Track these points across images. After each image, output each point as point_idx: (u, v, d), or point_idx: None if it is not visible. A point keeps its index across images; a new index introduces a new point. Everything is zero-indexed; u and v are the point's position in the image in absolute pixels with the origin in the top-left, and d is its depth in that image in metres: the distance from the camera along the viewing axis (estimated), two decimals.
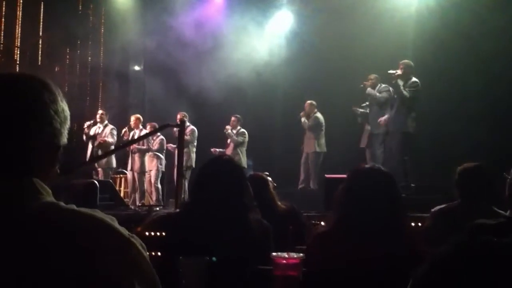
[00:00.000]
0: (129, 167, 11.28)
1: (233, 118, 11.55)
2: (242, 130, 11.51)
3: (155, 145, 11.16)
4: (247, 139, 11.50)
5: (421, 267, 1.32)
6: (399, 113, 8.37)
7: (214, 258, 2.10)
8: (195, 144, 11.23)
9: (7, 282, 1.07)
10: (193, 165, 10.91)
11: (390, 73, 8.61)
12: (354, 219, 2.55)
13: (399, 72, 8.43)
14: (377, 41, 10.56)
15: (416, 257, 2.46)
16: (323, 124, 10.82)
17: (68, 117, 1.31)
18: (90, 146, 10.91)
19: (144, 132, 10.99)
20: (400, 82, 8.39)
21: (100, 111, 11.25)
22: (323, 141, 10.79)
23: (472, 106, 10.11)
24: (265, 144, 13.34)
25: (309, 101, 10.88)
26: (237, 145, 11.33)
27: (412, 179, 8.59)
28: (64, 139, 1.30)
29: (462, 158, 4.38)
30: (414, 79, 8.42)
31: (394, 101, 8.63)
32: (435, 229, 3.81)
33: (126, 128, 11.34)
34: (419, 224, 5.21)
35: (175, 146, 11.01)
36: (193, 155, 11.08)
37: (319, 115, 10.82)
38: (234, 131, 11.41)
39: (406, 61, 8.62)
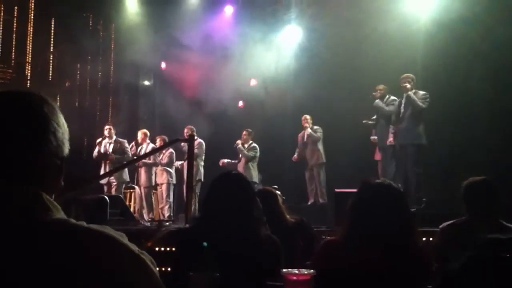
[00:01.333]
0: (136, 182, 11.27)
1: (244, 132, 11.50)
2: (254, 144, 11.45)
3: (165, 158, 11.12)
4: (258, 153, 11.45)
5: (434, 282, 1.31)
6: (411, 126, 8.33)
7: (205, 244, 2.08)
8: (203, 157, 11.13)
9: None
10: (202, 179, 10.85)
11: (404, 87, 8.62)
12: (362, 234, 2.55)
13: (408, 86, 8.44)
14: (386, 55, 10.55)
15: (425, 271, 2.46)
16: None
17: (67, 129, 1.34)
18: (103, 164, 10.82)
19: (151, 146, 11.00)
20: (413, 96, 8.39)
21: (107, 127, 11.12)
22: (323, 151, 10.83)
23: (483, 118, 10.07)
24: (274, 158, 13.32)
25: (307, 116, 10.93)
26: (249, 159, 11.28)
27: (424, 193, 8.54)
28: (67, 150, 1.32)
29: (473, 171, 4.35)
30: (422, 91, 8.43)
31: (403, 114, 8.58)
32: (444, 245, 3.78)
33: (133, 142, 11.36)
34: (430, 238, 5.18)
35: (181, 162, 11.06)
36: (201, 169, 11.00)
37: (319, 127, 10.89)
38: (246, 145, 11.36)
39: (409, 74, 8.64)
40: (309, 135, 10.82)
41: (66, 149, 1.32)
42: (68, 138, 1.34)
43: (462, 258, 1.33)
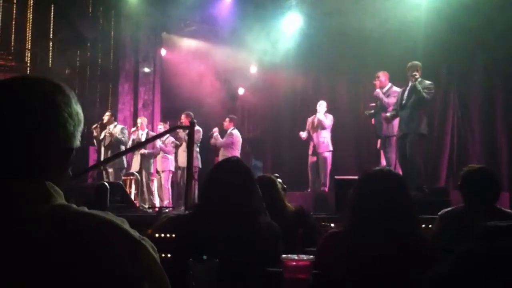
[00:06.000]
0: (138, 169, 11.27)
1: (226, 119, 11.42)
2: (233, 131, 11.26)
3: (168, 146, 11.17)
4: (236, 139, 11.22)
5: (428, 275, 1.31)
6: (413, 115, 8.16)
7: (204, 257, 2.08)
8: (199, 144, 11.00)
9: (19, 285, 1.08)
10: (200, 166, 10.80)
11: (418, 79, 8.31)
12: (365, 222, 2.55)
13: (417, 75, 8.12)
14: (387, 43, 10.52)
15: (427, 259, 2.47)
16: None
17: (82, 120, 1.32)
18: (102, 150, 10.83)
19: (151, 134, 11.01)
20: (419, 86, 8.17)
21: (107, 113, 11.17)
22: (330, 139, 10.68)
23: (483, 107, 10.07)
24: (274, 146, 13.34)
25: (324, 101, 10.69)
26: (225, 147, 11.09)
27: (427, 181, 8.50)
28: (77, 142, 1.31)
29: (472, 161, 4.37)
30: (428, 81, 8.19)
31: (406, 103, 8.42)
32: (443, 232, 3.79)
33: (134, 128, 11.41)
34: (429, 226, 5.19)
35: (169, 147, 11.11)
36: (198, 156, 10.91)
37: (330, 115, 10.70)
38: (228, 131, 11.24)
39: (417, 63, 8.40)
40: (319, 121, 10.46)
41: (77, 141, 1.30)
42: (81, 130, 1.31)
43: (456, 249, 1.32)
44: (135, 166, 11.21)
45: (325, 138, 10.47)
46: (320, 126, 10.45)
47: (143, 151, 10.99)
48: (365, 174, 2.76)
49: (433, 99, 8.66)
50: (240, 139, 11.39)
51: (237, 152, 11.03)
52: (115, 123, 11.04)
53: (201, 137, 10.94)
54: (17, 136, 1.20)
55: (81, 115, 1.32)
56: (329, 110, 10.66)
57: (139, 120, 11.60)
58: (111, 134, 10.63)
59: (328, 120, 10.46)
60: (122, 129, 10.91)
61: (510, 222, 1.69)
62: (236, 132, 11.31)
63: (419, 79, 8.13)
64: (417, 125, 8.11)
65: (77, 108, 1.30)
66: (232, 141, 11.17)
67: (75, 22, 12.67)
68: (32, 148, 1.21)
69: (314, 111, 10.61)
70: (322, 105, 10.56)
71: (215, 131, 11.22)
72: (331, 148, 10.50)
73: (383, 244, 2.45)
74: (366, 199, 2.61)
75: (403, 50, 9.93)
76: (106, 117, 10.95)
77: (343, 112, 11.78)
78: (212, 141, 11.27)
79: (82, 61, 13.76)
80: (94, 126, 10.95)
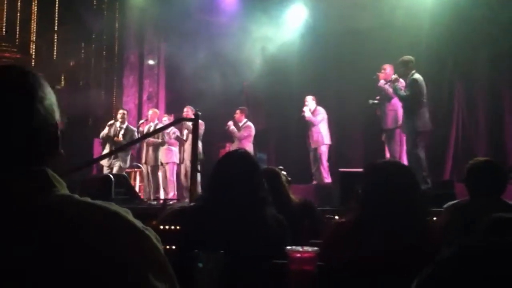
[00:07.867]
0: (143, 161, 11.28)
1: (237, 111, 11.33)
2: (248, 123, 11.22)
3: (172, 138, 11.16)
4: (253, 132, 11.22)
5: (426, 268, 1.29)
6: (407, 113, 8.22)
7: (200, 264, 2.07)
8: (201, 138, 10.93)
9: (20, 277, 1.07)
10: (202, 157, 10.73)
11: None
12: (371, 215, 2.54)
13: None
14: (391, 35, 10.48)
15: (432, 253, 2.45)
16: None
17: (54, 96, 1.30)
18: (108, 146, 10.75)
19: (160, 126, 10.98)
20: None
21: (121, 111, 11.11)
22: (326, 132, 10.70)
23: (488, 98, 10.04)
24: (279, 139, 13.32)
25: (308, 97, 10.74)
26: (242, 139, 11.04)
27: (431, 174, 8.48)
28: (57, 115, 1.29)
29: (477, 153, 4.36)
30: (414, 76, 8.17)
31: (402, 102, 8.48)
32: (449, 225, 3.79)
33: (144, 120, 11.41)
34: (434, 218, 5.18)
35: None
36: (200, 150, 10.83)
37: (321, 108, 10.72)
38: (240, 124, 11.18)
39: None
40: (308, 118, 10.59)
41: (57, 114, 1.29)
42: (57, 104, 1.30)
43: (455, 244, 1.30)
44: (144, 158, 11.24)
45: (319, 132, 10.51)
46: (311, 123, 10.55)
47: (147, 140, 10.98)
48: (372, 166, 2.75)
49: (438, 92, 8.64)
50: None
51: (251, 145, 11.00)
52: (126, 123, 10.94)
53: (203, 130, 10.89)
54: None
55: (52, 92, 1.30)
56: (333, 103, 10.69)
57: (150, 112, 11.58)
58: (119, 141, 10.60)
59: (318, 116, 10.52)
60: (133, 132, 10.85)
61: None
62: (251, 124, 11.28)
63: (412, 76, 8.13)
64: (410, 123, 8.10)
65: (48, 87, 1.29)
66: (250, 133, 11.14)
67: (80, 14, 12.67)
68: (16, 132, 1.19)
69: (319, 103, 10.64)
70: (309, 101, 10.61)
71: (230, 124, 11.15)
72: (326, 141, 10.53)
73: (389, 237, 2.44)
74: (373, 191, 2.60)
75: (409, 42, 9.91)
76: (120, 116, 10.88)
77: (348, 104, 11.75)
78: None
79: (87, 53, 13.77)
80: (109, 123, 10.83)
